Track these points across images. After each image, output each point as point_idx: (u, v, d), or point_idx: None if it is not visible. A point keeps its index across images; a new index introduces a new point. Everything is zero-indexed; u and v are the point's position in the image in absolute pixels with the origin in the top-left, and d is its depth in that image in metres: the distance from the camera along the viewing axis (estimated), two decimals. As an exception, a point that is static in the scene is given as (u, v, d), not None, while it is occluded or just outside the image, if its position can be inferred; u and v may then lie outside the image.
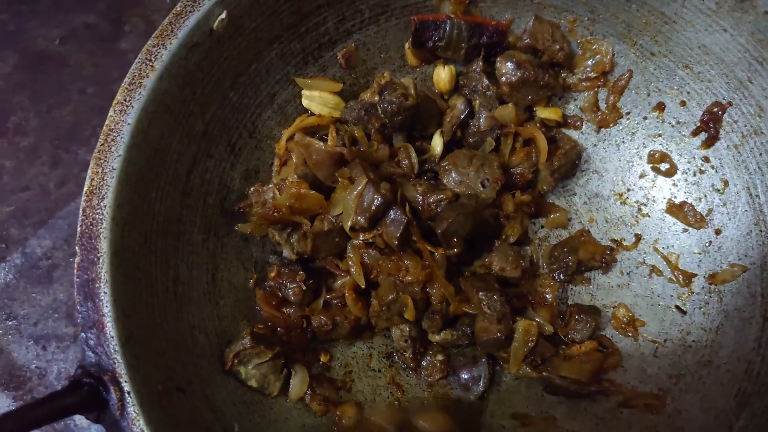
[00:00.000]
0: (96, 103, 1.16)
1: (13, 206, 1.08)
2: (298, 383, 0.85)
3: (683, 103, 0.93)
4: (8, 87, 1.16)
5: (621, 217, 0.97)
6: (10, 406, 0.97)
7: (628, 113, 0.96)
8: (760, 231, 0.87)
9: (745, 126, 0.88)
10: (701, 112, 0.91)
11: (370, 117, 0.89)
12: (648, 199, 0.96)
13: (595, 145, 0.98)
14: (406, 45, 0.96)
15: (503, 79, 0.91)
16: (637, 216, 0.96)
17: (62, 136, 1.14)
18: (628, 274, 0.95)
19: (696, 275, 0.91)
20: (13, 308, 1.02)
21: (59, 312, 1.02)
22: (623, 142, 0.97)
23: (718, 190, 0.91)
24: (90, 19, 1.19)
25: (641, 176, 0.96)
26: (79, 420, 0.97)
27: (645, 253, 0.95)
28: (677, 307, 0.91)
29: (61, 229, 1.06)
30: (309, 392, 0.86)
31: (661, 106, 0.94)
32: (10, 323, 1.02)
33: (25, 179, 1.10)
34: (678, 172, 0.94)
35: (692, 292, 0.91)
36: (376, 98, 0.90)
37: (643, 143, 0.96)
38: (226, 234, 0.88)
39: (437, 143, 0.94)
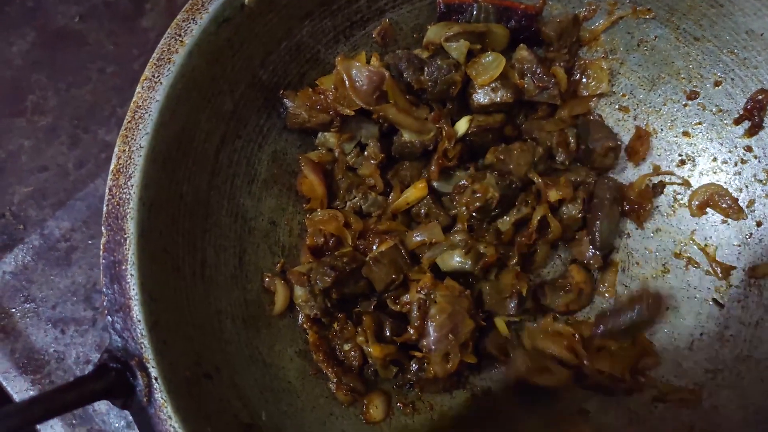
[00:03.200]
0: (115, 83, 1.13)
1: (32, 187, 1.06)
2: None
3: (726, 91, 0.89)
4: (26, 65, 1.13)
5: (657, 207, 0.94)
6: (28, 389, 0.95)
7: (667, 100, 0.93)
8: (805, 223, 0.84)
9: (791, 114, 0.85)
10: (745, 100, 0.88)
11: (415, 73, 0.86)
12: (686, 188, 0.93)
13: (630, 131, 0.95)
14: (429, 27, 0.92)
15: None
16: (673, 206, 0.93)
17: (81, 115, 1.11)
18: (664, 265, 0.92)
19: (735, 268, 0.89)
20: (31, 291, 1.00)
21: (78, 295, 1.00)
22: (662, 129, 0.94)
23: (761, 181, 0.88)
24: (110, -5, 1.16)
25: (680, 164, 0.93)
26: (98, 404, 0.95)
27: (682, 244, 0.92)
28: (714, 300, 0.89)
29: (80, 211, 1.04)
30: (335, 381, 0.83)
31: (702, 93, 0.91)
32: (28, 306, 1.00)
33: (43, 159, 1.07)
34: (718, 161, 0.91)
35: (731, 285, 0.89)
36: (425, 55, 0.87)
37: (683, 131, 0.93)
38: (253, 217, 0.86)
39: (462, 126, 0.91)
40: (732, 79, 0.89)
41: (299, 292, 0.84)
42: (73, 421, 0.94)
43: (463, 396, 0.88)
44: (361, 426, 0.84)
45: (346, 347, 0.85)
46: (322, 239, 0.87)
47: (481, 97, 0.89)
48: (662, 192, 0.94)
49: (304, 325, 0.85)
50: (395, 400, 0.86)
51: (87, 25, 1.15)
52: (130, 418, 0.91)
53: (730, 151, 0.91)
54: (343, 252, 0.85)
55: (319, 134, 0.89)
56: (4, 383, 0.96)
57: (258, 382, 0.79)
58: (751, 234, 0.88)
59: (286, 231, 0.89)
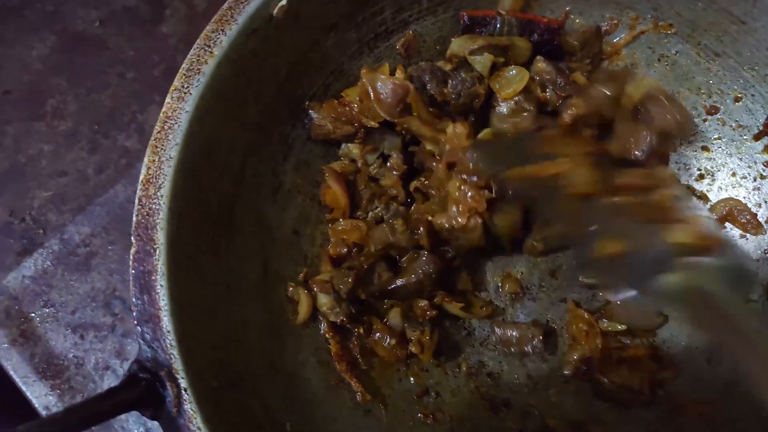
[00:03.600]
0: (135, 88, 1.13)
1: (51, 191, 1.06)
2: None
3: (746, 106, 0.90)
4: (46, 69, 1.13)
5: (676, 221, 0.94)
6: (47, 395, 0.96)
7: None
8: (824, 240, 0.85)
9: (811, 131, 0.86)
10: (765, 116, 0.89)
11: (438, 86, 0.86)
12: (704, 202, 0.94)
13: (651, 146, 0.96)
14: (453, 40, 0.92)
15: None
16: (692, 220, 0.93)
17: (101, 120, 1.11)
18: (682, 278, 0.92)
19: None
20: (51, 295, 1.01)
21: (97, 301, 1.01)
22: (680, 144, 0.94)
23: (780, 196, 0.89)
24: (130, 1, 1.16)
25: (698, 179, 0.94)
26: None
27: (700, 258, 0.92)
28: (733, 314, 0.89)
29: (99, 216, 1.04)
30: (360, 391, 0.84)
31: (722, 109, 0.92)
32: (47, 311, 1.00)
33: (63, 164, 1.08)
34: (737, 176, 0.92)
35: (749, 300, 0.89)
36: (449, 68, 0.87)
37: (702, 146, 0.94)
38: (277, 227, 0.86)
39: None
40: (752, 95, 0.89)
41: (324, 299, 0.85)
42: (93, 428, 0.94)
43: (482, 407, 0.89)
44: (384, 436, 0.84)
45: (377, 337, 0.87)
46: (345, 249, 0.87)
47: (504, 110, 0.89)
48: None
49: (327, 335, 0.86)
50: (415, 410, 0.87)
51: (107, 29, 1.15)
52: (149, 425, 0.92)
53: (749, 167, 0.91)
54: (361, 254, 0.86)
55: (343, 145, 0.89)
56: (24, 388, 0.96)
57: (281, 391, 0.79)
58: (769, 249, 0.89)
59: (309, 241, 0.89)
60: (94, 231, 1.04)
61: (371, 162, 0.90)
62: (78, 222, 1.04)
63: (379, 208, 0.89)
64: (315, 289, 0.84)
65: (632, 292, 0.71)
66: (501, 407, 0.89)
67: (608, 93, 0.85)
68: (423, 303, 0.85)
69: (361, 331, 0.87)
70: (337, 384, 0.84)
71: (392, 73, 0.88)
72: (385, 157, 0.90)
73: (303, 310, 0.84)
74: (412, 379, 0.87)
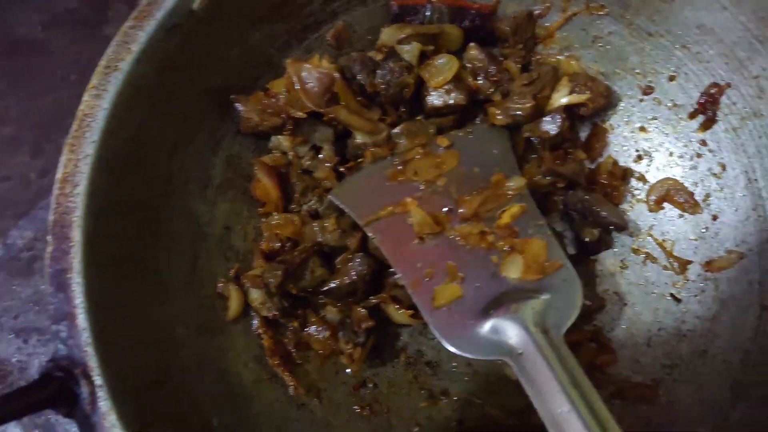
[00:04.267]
0: (79, 91, 1.09)
1: (-6, 196, 1.06)
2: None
3: (680, 85, 0.89)
4: (-12, 74, 1.13)
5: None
6: (-9, 399, 0.95)
7: (623, 96, 0.93)
8: (759, 216, 0.84)
9: (744, 108, 0.85)
10: (699, 94, 0.88)
11: (368, 76, 0.86)
12: (643, 183, 0.93)
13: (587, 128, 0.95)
14: (383, 30, 0.91)
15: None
16: (631, 201, 0.93)
17: (44, 124, 1.11)
18: (622, 261, 0.92)
19: (692, 262, 0.89)
20: (-6, 300, 1.00)
21: (40, 305, 1.00)
22: (618, 125, 0.94)
23: (716, 175, 0.88)
24: (72, 4, 1.16)
25: (636, 160, 0.93)
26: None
27: (640, 239, 0.92)
28: (672, 295, 0.89)
29: (42, 220, 1.03)
30: (293, 385, 0.84)
31: (657, 88, 0.91)
32: (-9, 315, 1.00)
33: (5, 169, 1.08)
34: (674, 156, 0.91)
35: (688, 280, 0.89)
36: (379, 58, 0.87)
37: (639, 126, 0.93)
38: (207, 222, 0.86)
39: None
40: (686, 73, 0.89)
41: (255, 294, 0.84)
42: (35, 431, 0.94)
43: (420, 397, 0.88)
44: (318, 429, 0.84)
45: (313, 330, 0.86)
46: (278, 244, 0.87)
47: (434, 99, 0.89)
48: (630, 178, 0.93)
49: (259, 330, 0.85)
50: (352, 402, 0.86)
51: (49, 33, 1.15)
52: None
53: (685, 146, 0.91)
54: (296, 249, 0.85)
55: (273, 138, 0.89)
56: (-32, 393, 0.96)
57: (211, 388, 0.79)
58: (707, 228, 0.88)
59: (240, 236, 0.89)
60: (37, 235, 1.03)
61: (303, 154, 0.89)
62: (21, 227, 1.04)
63: (312, 201, 0.88)
64: (246, 284, 0.84)
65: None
66: (440, 396, 0.89)
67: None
68: (362, 311, 0.84)
69: (296, 325, 0.86)
70: (269, 379, 0.84)
71: (322, 64, 0.88)
72: (317, 149, 0.90)
73: (233, 305, 0.84)
74: (348, 371, 0.86)
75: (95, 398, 0.67)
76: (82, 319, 0.68)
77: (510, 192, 0.83)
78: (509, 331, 0.73)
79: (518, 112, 0.86)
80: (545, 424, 0.66)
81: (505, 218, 0.82)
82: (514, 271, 0.79)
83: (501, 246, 0.80)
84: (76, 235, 0.70)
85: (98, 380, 0.67)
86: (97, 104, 0.74)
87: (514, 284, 0.78)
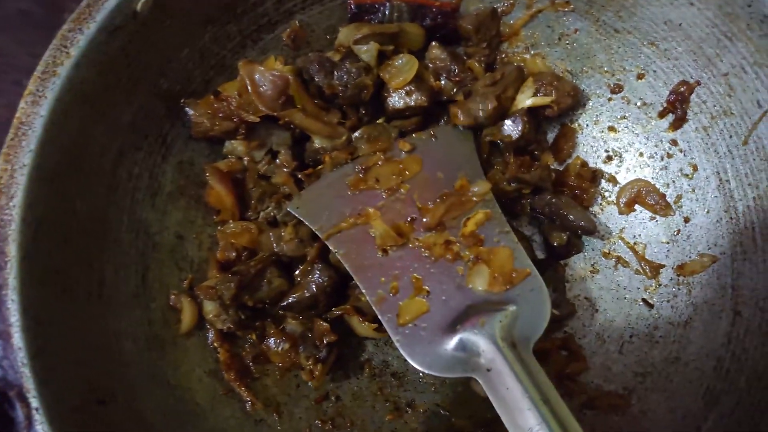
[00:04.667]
0: (34, 95, 1.08)
1: (-56, 206, 1.01)
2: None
3: (649, 83, 0.87)
4: (-61, 79, 1.09)
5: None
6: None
7: (591, 95, 0.90)
8: (731, 218, 0.81)
9: (714, 106, 0.82)
10: (668, 92, 0.85)
11: (326, 77, 0.82)
12: (613, 185, 0.90)
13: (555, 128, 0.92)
14: (341, 29, 0.87)
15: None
16: (601, 204, 0.90)
17: (-3, 130, 1.07)
18: (592, 265, 0.89)
19: (664, 266, 0.86)
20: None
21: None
22: (587, 125, 0.91)
23: (687, 175, 0.85)
24: (24, 5, 1.11)
25: (606, 161, 0.90)
26: None
27: (611, 242, 0.89)
28: (644, 300, 0.86)
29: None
30: (250, 400, 0.80)
31: (626, 87, 0.88)
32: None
33: (-44, 177, 1.03)
34: (644, 156, 0.88)
35: (660, 284, 0.86)
36: (338, 58, 0.83)
37: (608, 126, 0.90)
38: (157, 232, 0.82)
39: None
40: (654, 71, 0.86)
41: (209, 307, 0.81)
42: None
43: (385, 410, 0.85)
44: (276, 446, 0.80)
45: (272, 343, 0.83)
46: (234, 253, 0.83)
47: (395, 100, 0.85)
48: (600, 180, 0.90)
49: (215, 344, 0.82)
50: (313, 417, 0.83)
51: (1, 36, 1.10)
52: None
53: (656, 146, 0.88)
54: (252, 259, 0.81)
55: (227, 143, 0.85)
56: None
57: (161, 405, 0.76)
58: (679, 231, 0.86)
59: (195, 245, 0.85)
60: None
61: (259, 159, 0.86)
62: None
63: (270, 208, 0.85)
64: (200, 295, 0.80)
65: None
66: (406, 408, 0.86)
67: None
68: (324, 325, 0.81)
69: (254, 337, 0.83)
70: (225, 394, 0.81)
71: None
72: (274, 153, 0.86)
73: (186, 318, 0.80)
74: (310, 384, 0.83)
75: (31, 422, 0.63)
76: (17, 338, 0.65)
77: (475, 198, 0.80)
78: (477, 346, 0.71)
79: (480, 113, 0.83)
80: None
81: (470, 226, 0.79)
82: (480, 282, 0.76)
83: (466, 256, 0.77)
84: (12, 249, 0.67)
85: (34, 402, 0.64)
86: (34, 111, 0.71)
87: (480, 296, 0.75)
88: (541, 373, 0.68)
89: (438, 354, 0.73)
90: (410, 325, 0.74)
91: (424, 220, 0.79)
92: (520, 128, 0.82)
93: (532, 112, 0.85)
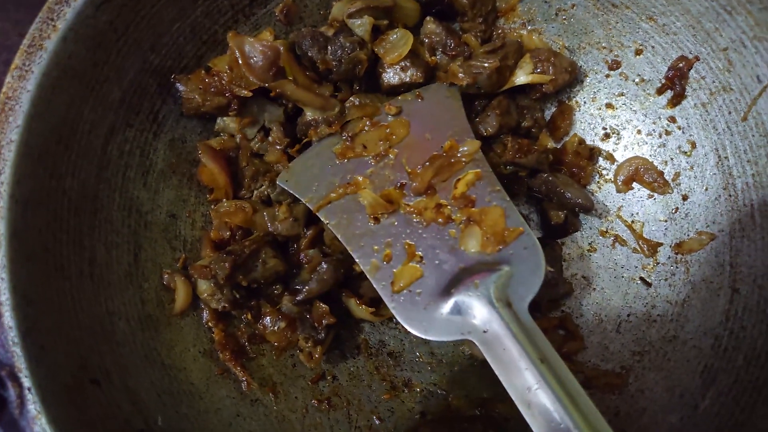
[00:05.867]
0: (23, 74, 1.06)
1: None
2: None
3: (648, 59, 0.85)
4: (-74, 57, 1.06)
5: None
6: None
7: (588, 71, 0.89)
8: (729, 196, 0.81)
9: (713, 82, 0.81)
10: (666, 68, 0.84)
11: (320, 52, 0.81)
12: (611, 163, 0.89)
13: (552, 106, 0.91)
14: (334, 3, 0.86)
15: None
16: (599, 182, 0.89)
17: (-13, 110, 1.05)
18: (590, 243, 0.88)
19: (662, 244, 0.85)
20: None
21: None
22: (584, 102, 0.90)
23: (685, 153, 0.84)
24: (14, -18, 1.09)
25: (604, 138, 0.89)
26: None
27: (608, 221, 0.88)
28: (642, 278, 0.85)
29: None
30: (245, 379, 0.80)
31: (624, 63, 0.87)
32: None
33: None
34: (642, 133, 0.87)
35: (658, 263, 0.85)
36: (331, 33, 0.82)
37: (606, 103, 0.89)
38: (149, 210, 0.81)
39: None
40: (652, 47, 0.85)
41: (203, 286, 0.80)
42: None
43: (382, 389, 0.85)
44: (271, 426, 0.80)
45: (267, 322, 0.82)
46: (228, 232, 0.82)
47: (390, 76, 0.84)
48: (597, 158, 0.89)
49: (209, 323, 0.81)
50: (309, 396, 0.82)
51: (-10, 14, 1.08)
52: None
53: (654, 123, 0.87)
54: (247, 239, 0.80)
55: (219, 119, 0.84)
56: None
57: (155, 384, 0.75)
58: (677, 209, 0.85)
59: (188, 224, 0.84)
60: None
61: (252, 136, 0.84)
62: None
63: (264, 186, 0.84)
64: (194, 275, 0.79)
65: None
66: (402, 388, 0.85)
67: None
68: (323, 307, 0.80)
69: (249, 317, 0.82)
70: (221, 374, 0.80)
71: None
72: (266, 131, 0.85)
73: (180, 298, 0.79)
74: (302, 359, 0.82)
75: (24, 401, 0.63)
76: (8, 317, 0.64)
77: (464, 158, 0.79)
78: (472, 308, 0.70)
79: (481, 70, 0.81)
80: (515, 401, 0.64)
81: (461, 187, 0.77)
82: (473, 244, 0.75)
83: (458, 218, 0.76)
84: (0, 227, 0.66)
85: (26, 382, 0.63)
86: (20, 86, 0.69)
87: (473, 258, 0.74)
88: (538, 332, 0.68)
89: (434, 318, 0.72)
90: (405, 291, 0.74)
91: (414, 184, 0.78)
92: (495, 123, 0.82)
93: (511, 94, 0.84)
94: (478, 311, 0.70)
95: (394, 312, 0.73)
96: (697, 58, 0.81)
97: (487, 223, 0.75)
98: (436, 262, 0.75)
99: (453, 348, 0.87)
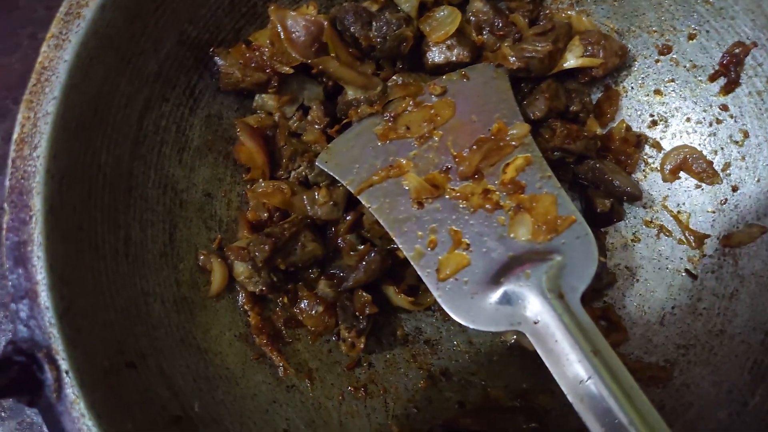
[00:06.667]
0: (46, 46, 1.03)
1: (-46, 160, 0.97)
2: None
3: (701, 44, 0.82)
4: (-52, 28, 1.03)
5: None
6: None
7: (637, 56, 0.86)
8: (783, 187, 0.78)
9: (771, 69, 0.78)
10: (721, 54, 0.81)
11: (363, 28, 0.77)
12: (657, 151, 0.86)
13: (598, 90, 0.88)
14: None
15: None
16: (644, 170, 0.86)
17: (11, 85, 1.03)
18: (634, 233, 0.86)
19: (709, 236, 0.83)
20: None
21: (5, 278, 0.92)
22: (632, 88, 0.87)
23: (737, 142, 0.82)
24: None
25: (651, 125, 0.87)
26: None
27: (653, 211, 0.86)
28: (687, 271, 0.83)
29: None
30: (282, 365, 0.78)
31: (675, 48, 0.84)
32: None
33: (-32, 131, 0.99)
34: (692, 121, 0.85)
35: (704, 255, 0.83)
36: (375, 8, 0.78)
37: (654, 89, 0.86)
38: (185, 189, 0.78)
39: None
40: (707, 31, 0.82)
41: (240, 268, 0.77)
42: (2, 414, 0.88)
43: (419, 377, 0.83)
44: (308, 412, 0.78)
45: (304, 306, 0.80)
46: (266, 214, 0.79)
47: (435, 55, 0.81)
48: (644, 145, 0.87)
49: (245, 306, 0.78)
50: (346, 383, 0.80)
51: (17, -12, 1.05)
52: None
53: (704, 111, 0.84)
54: (285, 221, 0.78)
55: (257, 96, 0.81)
56: None
57: (191, 369, 0.72)
58: (725, 200, 0.82)
59: (223, 204, 0.81)
60: (2, 203, 0.95)
61: (290, 114, 0.81)
62: (-17, 192, 0.95)
63: (302, 167, 0.81)
64: (230, 256, 0.77)
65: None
66: (440, 377, 0.83)
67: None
68: (366, 296, 0.78)
69: (286, 300, 0.80)
70: (256, 358, 0.78)
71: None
72: (305, 109, 0.82)
73: (217, 280, 0.77)
74: (343, 348, 0.80)
75: (61, 385, 0.60)
76: (44, 297, 0.61)
77: (513, 141, 0.76)
78: (522, 298, 0.68)
79: (533, 54, 0.78)
80: (567, 394, 0.63)
81: (510, 172, 0.75)
82: (523, 232, 0.72)
83: (507, 205, 0.74)
84: (36, 203, 0.63)
85: (64, 365, 0.60)
86: (57, 56, 0.66)
87: (524, 246, 0.72)
88: (591, 323, 0.66)
89: (482, 308, 0.70)
90: (451, 279, 0.71)
91: (460, 168, 0.75)
92: (543, 107, 0.79)
93: (559, 77, 0.81)
94: (529, 302, 0.68)
95: (440, 300, 0.71)
96: (754, 44, 0.78)
97: (538, 210, 0.72)
98: (484, 249, 0.72)
99: (492, 337, 0.85)
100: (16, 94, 1.02)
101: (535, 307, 0.67)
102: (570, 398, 0.63)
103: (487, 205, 0.74)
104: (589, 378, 0.63)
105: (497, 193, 0.74)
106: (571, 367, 0.64)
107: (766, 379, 0.74)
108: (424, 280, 0.72)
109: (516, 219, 0.73)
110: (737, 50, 0.80)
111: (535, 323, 0.67)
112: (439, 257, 0.72)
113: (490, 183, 0.75)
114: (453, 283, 0.71)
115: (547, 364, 0.65)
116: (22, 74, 1.03)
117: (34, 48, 1.04)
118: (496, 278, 0.70)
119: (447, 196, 0.75)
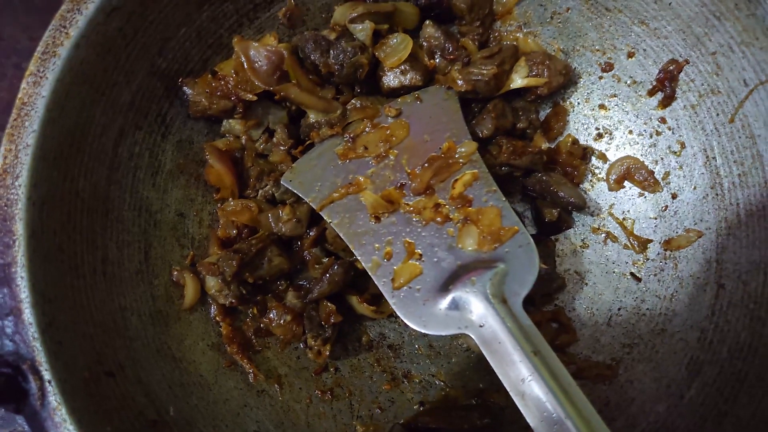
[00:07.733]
0: (31, 74, 1.09)
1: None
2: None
3: (639, 62, 0.88)
4: (-64, 59, 1.09)
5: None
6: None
7: (582, 73, 0.92)
8: (716, 195, 0.84)
9: (702, 85, 0.84)
10: (657, 71, 0.87)
11: (322, 56, 0.83)
12: (603, 162, 0.92)
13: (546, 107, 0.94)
14: (336, 8, 0.88)
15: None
16: (591, 180, 0.92)
17: (-3, 111, 1.08)
18: (582, 240, 0.92)
19: (651, 241, 0.89)
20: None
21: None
22: (578, 103, 0.93)
23: (675, 152, 0.88)
24: (22, -14, 1.11)
25: (597, 138, 0.92)
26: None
27: (600, 218, 0.91)
28: (632, 274, 0.89)
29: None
30: (252, 372, 0.83)
31: (616, 65, 0.90)
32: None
33: (-43, 156, 1.04)
34: (634, 134, 0.90)
35: (647, 259, 0.88)
36: (333, 36, 0.84)
37: (599, 104, 0.92)
38: (159, 210, 0.84)
39: None
40: (644, 50, 0.88)
41: (211, 282, 0.83)
42: (-5, 423, 0.93)
43: (383, 380, 0.88)
44: (277, 415, 0.83)
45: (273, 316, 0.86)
46: (235, 231, 0.85)
47: (390, 80, 0.87)
48: (590, 157, 0.93)
49: (217, 318, 0.84)
50: (313, 387, 0.86)
51: (1, 19, 1.11)
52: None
53: (645, 123, 0.90)
54: (253, 237, 0.84)
55: (225, 121, 0.87)
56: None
57: (166, 377, 0.78)
58: (666, 207, 0.88)
59: (195, 222, 0.87)
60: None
61: (256, 137, 0.87)
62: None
63: (268, 186, 0.87)
64: (202, 272, 0.82)
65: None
66: (402, 379, 0.89)
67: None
68: (330, 306, 0.84)
69: (255, 311, 0.85)
70: (228, 366, 0.83)
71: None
72: (271, 132, 0.88)
73: (189, 293, 0.82)
74: (310, 356, 0.86)
75: (44, 393, 0.66)
76: (28, 314, 0.67)
77: (462, 159, 0.82)
78: (469, 304, 0.74)
79: (479, 78, 0.84)
80: (510, 392, 0.68)
81: (458, 187, 0.81)
82: (470, 242, 0.78)
83: (456, 218, 0.80)
84: (19, 228, 0.69)
85: (47, 375, 0.66)
86: (35, 92, 0.72)
87: (471, 255, 0.78)
88: (532, 326, 0.72)
89: (432, 313, 0.76)
90: (405, 287, 0.77)
91: (413, 185, 0.81)
92: (491, 126, 0.85)
93: (506, 97, 0.88)
94: (475, 307, 0.73)
95: (394, 308, 0.77)
96: (687, 62, 0.84)
97: (483, 222, 0.78)
98: (435, 259, 0.78)
99: (450, 341, 0.90)
100: (3, 122, 1.08)
101: (480, 311, 0.73)
102: (513, 395, 0.69)
103: (438, 218, 0.80)
104: (530, 376, 0.68)
105: (447, 206, 0.80)
106: (514, 366, 0.69)
107: (701, 374, 0.80)
108: (381, 289, 0.78)
109: (464, 230, 0.79)
110: (671, 67, 0.86)
111: (481, 326, 0.73)
112: (395, 267, 0.78)
113: (440, 198, 0.81)
114: (407, 291, 0.77)
115: (492, 364, 0.71)
116: (8, 103, 1.08)
117: (19, 77, 1.10)
118: (445, 286, 0.76)
119: (402, 211, 0.81)
